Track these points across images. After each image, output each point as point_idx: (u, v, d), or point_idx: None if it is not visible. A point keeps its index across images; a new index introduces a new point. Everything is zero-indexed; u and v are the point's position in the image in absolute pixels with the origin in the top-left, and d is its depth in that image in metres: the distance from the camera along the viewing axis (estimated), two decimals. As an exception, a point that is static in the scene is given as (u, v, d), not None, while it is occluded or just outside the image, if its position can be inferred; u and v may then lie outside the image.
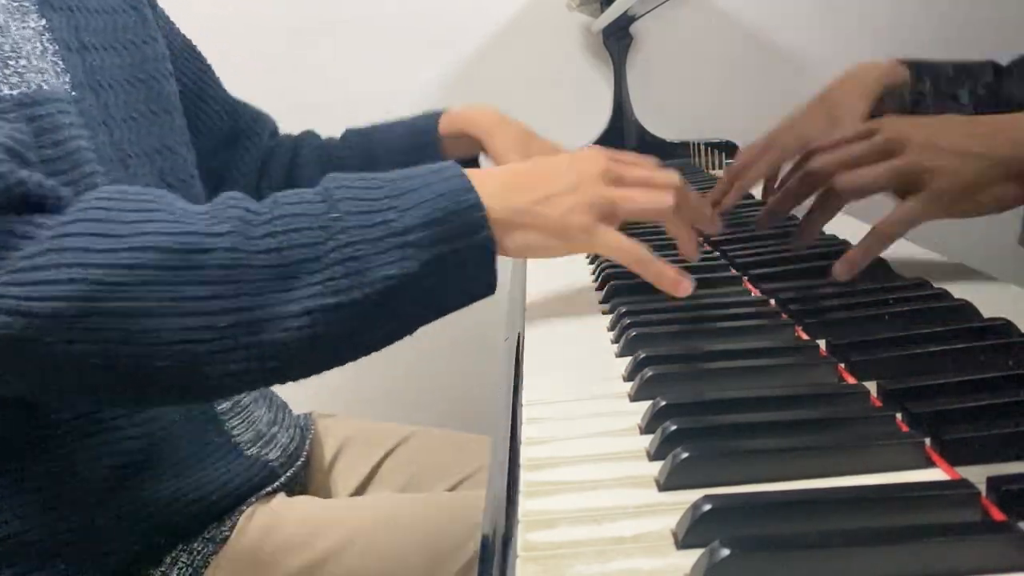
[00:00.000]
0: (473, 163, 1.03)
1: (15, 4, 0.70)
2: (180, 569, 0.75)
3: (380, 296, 0.58)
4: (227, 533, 0.78)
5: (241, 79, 1.67)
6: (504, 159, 0.97)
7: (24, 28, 0.69)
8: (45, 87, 0.68)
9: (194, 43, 1.01)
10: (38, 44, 0.70)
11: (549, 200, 0.62)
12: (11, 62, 0.66)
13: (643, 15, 1.54)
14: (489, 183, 0.61)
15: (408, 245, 0.58)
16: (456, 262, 0.59)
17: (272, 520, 0.79)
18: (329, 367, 0.61)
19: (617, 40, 1.60)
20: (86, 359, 0.55)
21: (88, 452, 0.72)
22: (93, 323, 0.54)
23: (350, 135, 1.07)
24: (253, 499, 0.82)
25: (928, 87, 0.87)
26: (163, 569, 0.74)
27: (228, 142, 1.02)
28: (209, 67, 1.03)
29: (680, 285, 0.63)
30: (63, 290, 0.53)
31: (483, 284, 0.61)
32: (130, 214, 0.56)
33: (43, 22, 0.72)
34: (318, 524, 0.79)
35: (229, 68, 1.72)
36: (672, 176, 0.67)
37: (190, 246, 0.56)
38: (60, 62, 0.72)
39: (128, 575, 0.73)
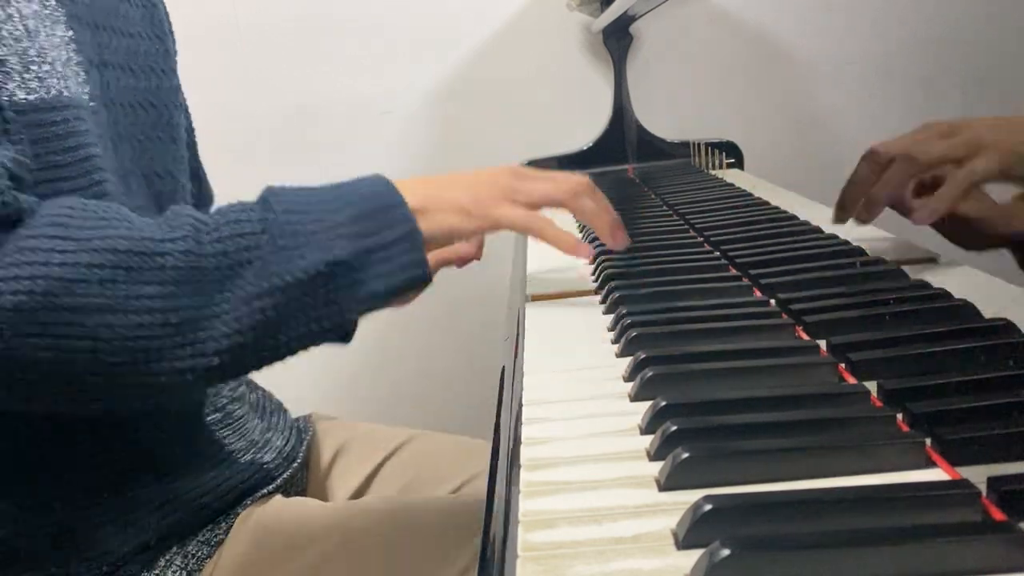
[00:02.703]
0: None
1: (46, 12, 0.71)
2: (175, 572, 0.74)
3: (312, 280, 0.62)
4: (222, 536, 0.78)
5: (243, 78, 1.67)
6: None
7: (52, 36, 0.71)
8: (65, 93, 0.69)
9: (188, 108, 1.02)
10: (64, 52, 0.72)
11: (457, 186, 0.70)
12: (33, 67, 0.67)
13: (643, 15, 1.54)
14: (409, 183, 0.68)
15: (339, 236, 0.63)
16: (384, 251, 0.64)
17: (268, 523, 0.79)
18: (281, 357, 0.64)
19: (617, 40, 1.60)
20: (41, 354, 0.57)
21: (79, 456, 0.72)
22: (50, 318, 0.57)
23: None
24: (248, 501, 0.82)
25: None
26: (157, 572, 0.74)
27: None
28: (193, 131, 1.03)
29: (577, 248, 0.72)
30: (26, 285, 0.56)
31: (413, 271, 0.65)
32: (91, 220, 0.60)
33: (70, 33, 0.73)
34: (315, 527, 0.79)
35: (231, 67, 1.72)
36: (576, 176, 0.75)
37: (148, 249, 0.60)
38: (83, 73, 0.73)
39: None
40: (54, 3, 0.72)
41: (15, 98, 0.65)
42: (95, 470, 0.73)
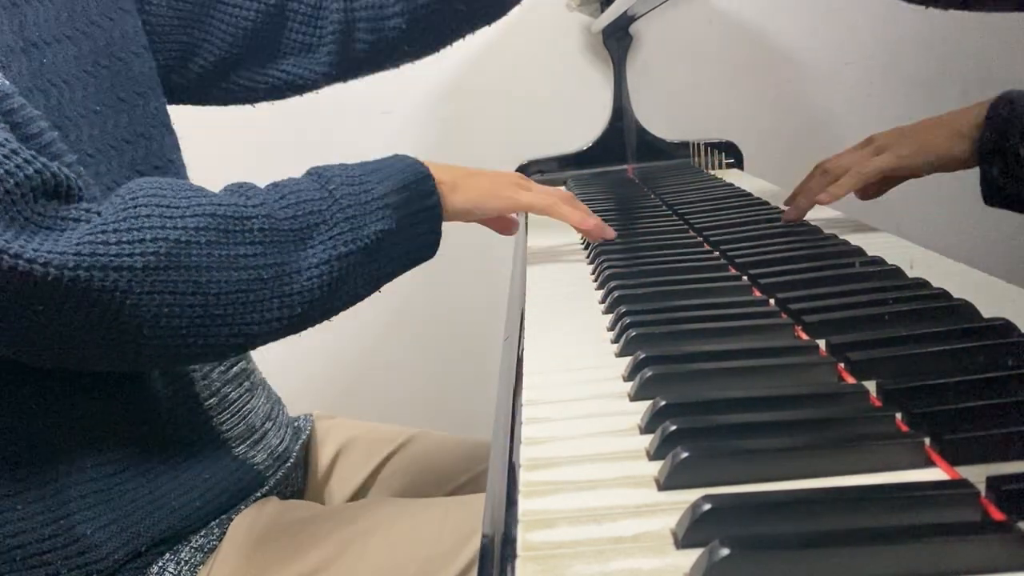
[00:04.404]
0: None
1: None
2: None
3: (374, 246, 0.73)
4: (215, 543, 0.77)
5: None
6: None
7: None
8: (8, 82, 0.67)
9: None
10: None
11: (480, 175, 0.83)
12: None
13: (643, 15, 1.54)
14: (439, 166, 0.80)
15: (387, 207, 0.74)
16: (418, 220, 0.76)
17: (263, 528, 0.78)
18: (338, 311, 0.74)
19: (617, 40, 1.60)
20: (163, 309, 0.64)
21: (74, 455, 0.72)
22: (171, 276, 0.64)
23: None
24: (242, 506, 0.81)
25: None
26: None
27: (268, 25, 0.94)
28: None
29: (586, 221, 0.86)
30: (151, 247, 0.63)
31: (431, 241, 0.78)
32: (183, 191, 0.67)
33: None
34: (311, 533, 0.78)
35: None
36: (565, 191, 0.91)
37: (238, 214, 0.68)
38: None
39: None
40: None
41: None
42: (90, 467, 0.72)
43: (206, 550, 0.76)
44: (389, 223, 0.73)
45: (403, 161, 0.78)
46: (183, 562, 0.75)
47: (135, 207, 0.64)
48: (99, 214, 0.63)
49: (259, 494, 0.83)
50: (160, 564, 0.74)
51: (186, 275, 0.64)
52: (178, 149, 0.88)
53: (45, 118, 0.69)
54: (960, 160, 0.78)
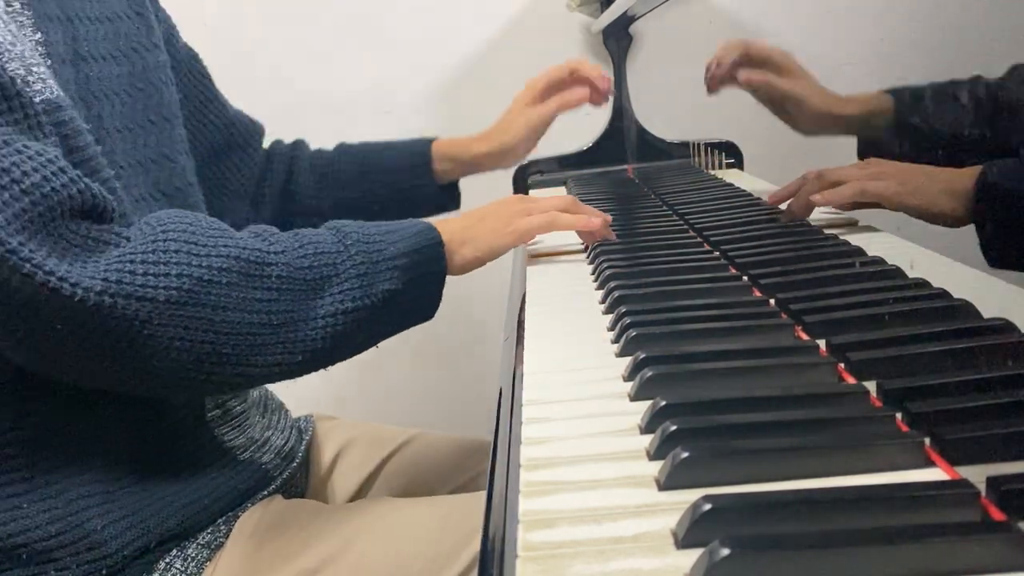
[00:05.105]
0: (454, 187, 1.16)
1: (9, 16, 0.70)
2: (175, 574, 0.74)
3: (380, 304, 0.74)
4: (222, 539, 0.78)
5: (243, 78, 1.67)
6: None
7: (26, 40, 0.71)
8: (63, 93, 0.70)
9: (197, 53, 1.03)
10: (36, 57, 0.71)
11: (486, 217, 0.85)
12: (35, 68, 0.68)
13: (643, 15, 1.54)
14: (449, 223, 0.82)
15: (397, 268, 0.75)
16: (423, 283, 0.78)
17: (268, 526, 0.79)
18: (335, 362, 0.75)
19: (617, 40, 1.60)
20: (175, 343, 0.65)
21: (81, 456, 0.73)
22: (188, 312, 0.66)
23: (344, 149, 1.14)
24: (248, 504, 0.81)
25: (911, 113, 0.94)
26: (157, 575, 0.74)
27: (222, 153, 1.06)
28: (209, 78, 1.05)
29: (590, 222, 0.87)
30: (175, 281, 0.65)
31: (432, 304, 0.80)
32: (211, 230, 0.70)
33: (38, 36, 0.73)
34: (316, 530, 0.79)
35: (231, 66, 1.72)
36: (566, 197, 0.92)
37: (259, 259, 0.70)
38: (52, 76, 0.71)
39: None
40: (18, 6, 0.72)
41: (40, 96, 0.67)
42: (97, 468, 0.73)
43: (212, 547, 0.77)
44: (396, 283, 0.75)
45: (417, 225, 0.80)
46: (190, 558, 0.76)
47: (164, 240, 0.66)
48: (128, 239, 0.66)
49: (266, 493, 0.84)
50: (167, 560, 0.75)
51: (203, 312, 0.66)
52: (195, 174, 0.93)
53: (90, 132, 0.72)
54: (946, 216, 0.78)
